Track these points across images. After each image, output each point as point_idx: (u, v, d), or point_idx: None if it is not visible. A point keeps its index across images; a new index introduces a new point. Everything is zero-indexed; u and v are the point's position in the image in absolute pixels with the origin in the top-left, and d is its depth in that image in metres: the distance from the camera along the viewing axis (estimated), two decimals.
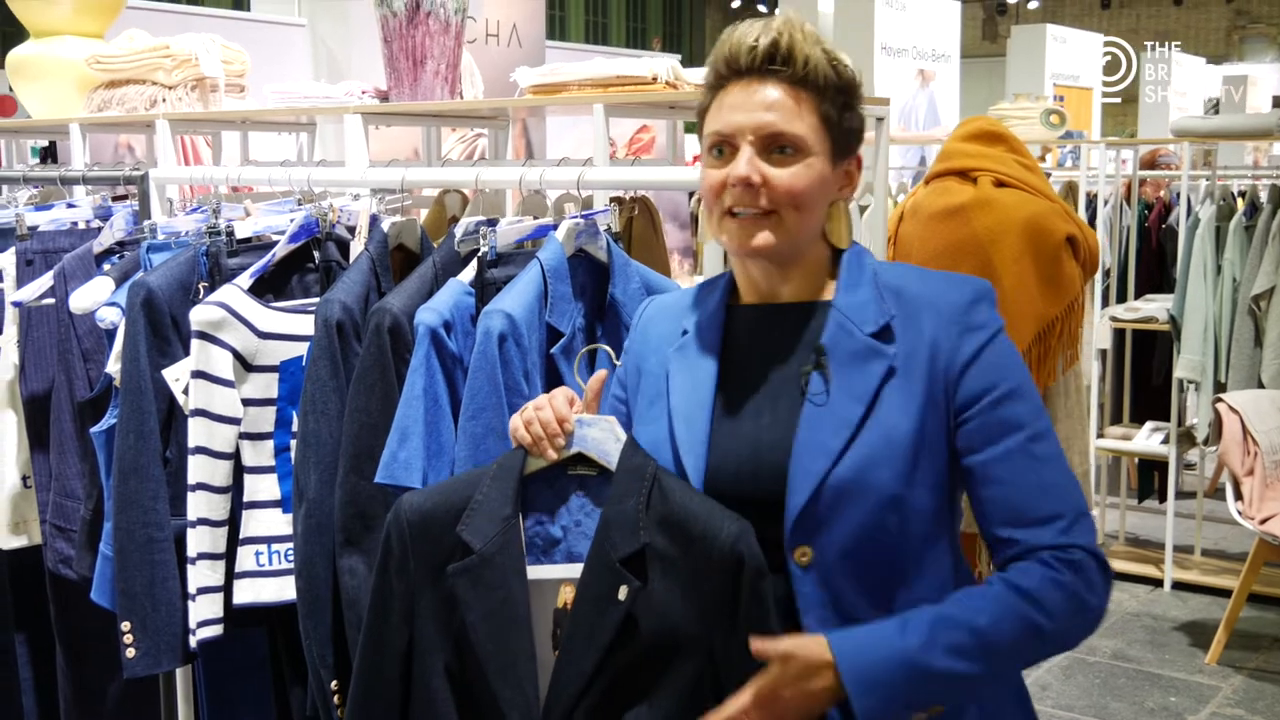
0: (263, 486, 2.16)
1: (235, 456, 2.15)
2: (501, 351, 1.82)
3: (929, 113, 6.93)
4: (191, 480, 2.13)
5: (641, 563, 1.44)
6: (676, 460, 1.51)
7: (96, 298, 2.33)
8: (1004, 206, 2.97)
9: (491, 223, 2.05)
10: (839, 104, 1.49)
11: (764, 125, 1.46)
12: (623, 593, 1.42)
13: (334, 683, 2.02)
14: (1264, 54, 18.39)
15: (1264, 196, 4.92)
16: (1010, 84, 8.78)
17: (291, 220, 2.26)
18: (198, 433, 2.11)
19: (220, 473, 2.14)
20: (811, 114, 1.47)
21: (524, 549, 1.50)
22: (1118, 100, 11.59)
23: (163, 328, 2.19)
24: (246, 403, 2.14)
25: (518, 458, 1.53)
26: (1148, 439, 5.26)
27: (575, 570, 1.48)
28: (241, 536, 2.14)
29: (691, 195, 3.84)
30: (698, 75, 2.41)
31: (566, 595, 1.49)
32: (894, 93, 6.45)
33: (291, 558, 2.09)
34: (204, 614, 2.14)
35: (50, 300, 2.50)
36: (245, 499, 2.15)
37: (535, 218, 2.19)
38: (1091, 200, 5.37)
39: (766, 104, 1.46)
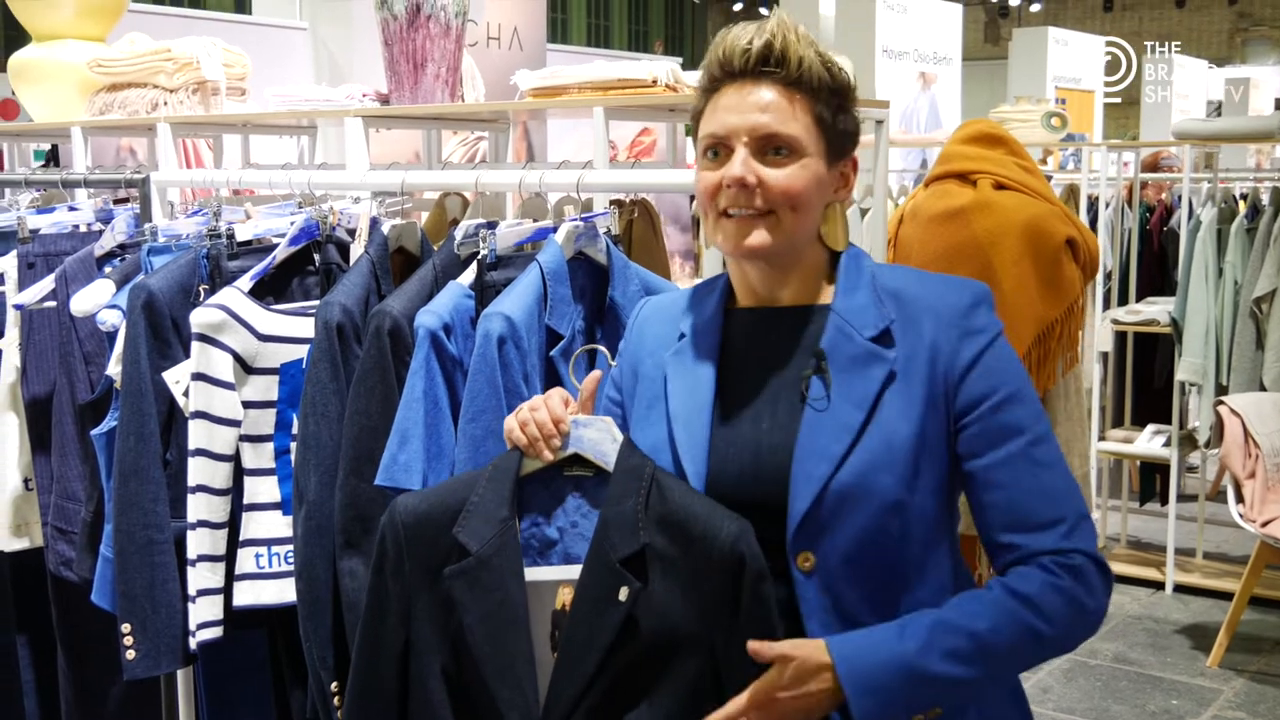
0: (263, 489, 2.16)
1: (235, 459, 2.15)
2: (501, 354, 1.82)
3: (930, 115, 6.93)
4: (192, 482, 2.13)
5: (641, 563, 1.43)
6: (676, 464, 1.51)
7: (98, 300, 2.33)
8: (1004, 209, 2.97)
9: (491, 225, 2.05)
10: (833, 105, 1.49)
11: (758, 126, 1.46)
12: (623, 594, 1.42)
13: (334, 684, 2.02)
14: (1266, 56, 18.37)
15: (1266, 199, 4.92)
16: (1012, 87, 8.78)
17: (292, 223, 2.26)
18: (198, 435, 2.11)
19: (220, 475, 2.14)
20: (806, 115, 1.47)
21: (521, 551, 1.49)
22: (1119, 102, 11.59)
23: (163, 330, 2.19)
24: (247, 405, 2.14)
25: (513, 459, 1.52)
26: (1149, 442, 5.26)
27: (573, 572, 1.47)
28: (241, 538, 2.14)
29: (692, 199, 3.84)
30: (698, 78, 2.41)
31: (564, 597, 1.48)
32: (895, 95, 6.46)
33: (291, 560, 2.09)
34: (204, 616, 2.14)
35: (52, 303, 2.51)
36: (245, 501, 2.15)
37: (535, 220, 2.19)
38: (1093, 203, 5.37)
39: (761, 105, 1.46)
